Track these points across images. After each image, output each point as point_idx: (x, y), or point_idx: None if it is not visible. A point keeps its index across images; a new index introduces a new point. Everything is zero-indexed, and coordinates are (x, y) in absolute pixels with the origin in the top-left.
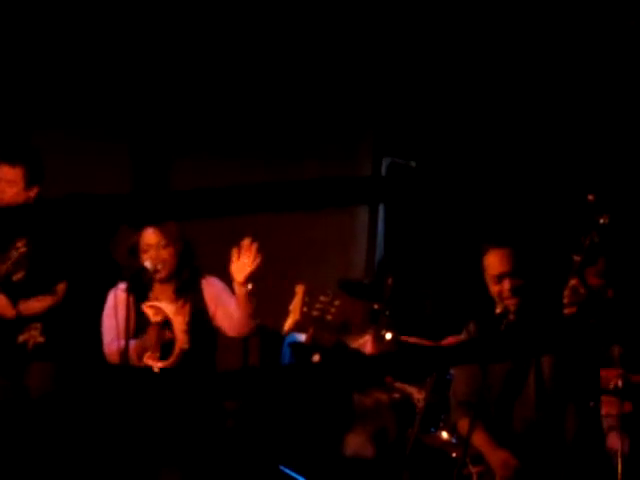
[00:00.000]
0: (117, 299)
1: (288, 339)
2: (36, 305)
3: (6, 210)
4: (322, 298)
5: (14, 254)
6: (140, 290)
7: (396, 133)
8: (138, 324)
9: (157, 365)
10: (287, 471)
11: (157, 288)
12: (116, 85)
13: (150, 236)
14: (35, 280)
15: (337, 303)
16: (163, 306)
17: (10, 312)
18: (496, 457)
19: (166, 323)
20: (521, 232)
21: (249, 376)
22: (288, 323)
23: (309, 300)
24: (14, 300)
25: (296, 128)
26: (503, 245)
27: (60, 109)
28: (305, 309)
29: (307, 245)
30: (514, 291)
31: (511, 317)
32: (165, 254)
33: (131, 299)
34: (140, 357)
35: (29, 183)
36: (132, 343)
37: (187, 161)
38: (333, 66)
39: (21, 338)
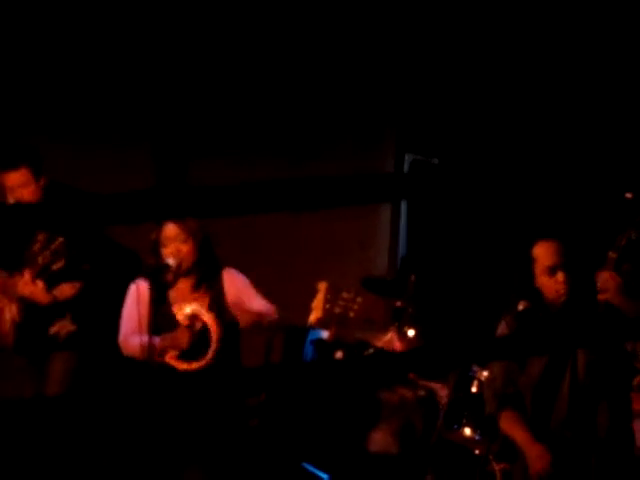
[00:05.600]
0: (140, 293)
1: (310, 336)
2: (68, 288)
3: (23, 207)
4: (344, 295)
5: (53, 244)
6: (162, 286)
7: (418, 130)
8: (161, 321)
9: (192, 366)
10: (311, 468)
11: (180, 282)
12: (137, 88)
13: (170, 230)
14: (73, 269)
15: (359, 300)
16: (196, 310)
17: (46, 298)
18: (534, 451)
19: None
20: (570, 227)
21: (272, 373)
22: (310, 320)
23: (331, 297)
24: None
25: (317, 125)
26: (554, 238)
27: (83, 115)
28: (327, 306)
29: (329, 242)
30: (567, 283)
31: (548, 310)
32: (185, 248)
33: (153, 295)
34: (161, 355)
35: (37, 177)
36: (157, 340)
37: (206, 161)
38: (355, 63)
39: (52, 330)
